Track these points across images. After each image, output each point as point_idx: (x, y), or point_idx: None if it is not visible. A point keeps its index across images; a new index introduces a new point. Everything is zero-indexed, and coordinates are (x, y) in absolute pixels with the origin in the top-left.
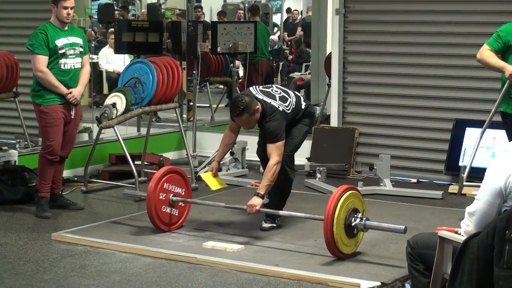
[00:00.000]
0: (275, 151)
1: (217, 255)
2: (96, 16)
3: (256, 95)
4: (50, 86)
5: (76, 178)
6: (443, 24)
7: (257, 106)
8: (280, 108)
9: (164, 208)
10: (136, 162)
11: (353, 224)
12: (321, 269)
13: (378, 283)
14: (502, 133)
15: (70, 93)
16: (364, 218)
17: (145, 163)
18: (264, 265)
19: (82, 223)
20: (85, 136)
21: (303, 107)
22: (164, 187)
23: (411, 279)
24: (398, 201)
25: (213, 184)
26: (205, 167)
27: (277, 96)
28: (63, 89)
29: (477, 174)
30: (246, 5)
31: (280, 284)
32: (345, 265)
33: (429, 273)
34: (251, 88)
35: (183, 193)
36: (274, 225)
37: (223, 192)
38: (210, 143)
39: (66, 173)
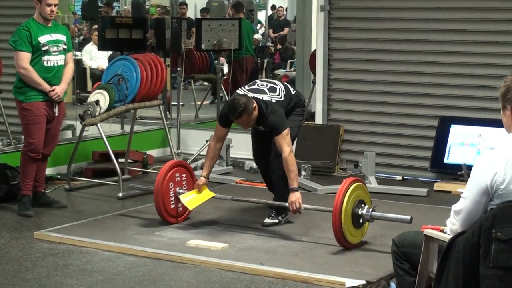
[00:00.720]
0: (283, 141)
1: (201, 254)
2: (80, 13)
3: (247, 94)
4: (33, 83)
5: (59, 176)
6: (428, 21)
7: (254, 105)
8: (274, 100)
9: (171, 200)
10: (120, 160)
11: (360, 215)
12: (306, 267)
13: (363, 282)
14: (487, 130)
15: (53, 90)
16: (371, 209)
17: (129, 160)
18: (248, 263)
19: (65, 221)
20: (68, 134)
21: (293, 92)
22: (171, 180)
23: (396, 278)
24: (383, 198)
25: (192, 202)
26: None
27: (265, 89)
28: (46, 86)
29: (460, 171)
30: (231, 1)
31: (265, 282)
32: (330, 264)
33: (414, 272)
34: (238, 91)
35: (188, 186)
36: (277, 221)
37: (211, 189)
38: (194, 140)
39: (49, 171)
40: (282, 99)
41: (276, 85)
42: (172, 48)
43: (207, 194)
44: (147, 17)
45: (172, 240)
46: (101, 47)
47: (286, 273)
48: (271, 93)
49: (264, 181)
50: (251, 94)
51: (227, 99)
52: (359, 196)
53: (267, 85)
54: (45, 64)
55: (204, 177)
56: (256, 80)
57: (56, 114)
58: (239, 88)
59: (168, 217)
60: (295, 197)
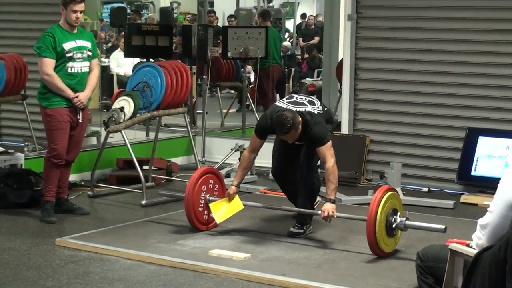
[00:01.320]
0: (327, 153)
1: (223, 264)
2: (108, 20)
3: (291, 108)
4: (56, 90)
5: (83, 183)
6: (456, 31)
7: (299, 119)
8: (315, 112)
9: (201, 208)
10: (144, 167)
11: (393, 224)
12: (329, 279)
13: None
14: None
15: (77, 97)
16: (404, 218)
17: (153, 168)
18: (271, 274)
19: (87, 228)
20: (93, 140)
21: (325, 109)
22: (203, 185)
23: None
24: (409, 210)
25: (220, 215)
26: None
27: (305, 102)
28: (69, 92)
29: (487, 184)
30: (259, 10)
31: None
32: (354, 276)
33: (439, 287)
34: (277, 103)
35: (218, 193)
36: (301, 231)
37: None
38: (219, 148)
39: (73, 177)
40: (322, 112)
41: (313, 99)
42: (198, 56)
43: (237, 205)
44: (173, 24)
45: (194, 249)
46: (127, 54)
47: (309, 285)
48: (311, 106)
49: (285, 193)
50: (293, 107)
51: (253, 107)
52: (393, 205)
53: (305, 99)
54: (69, 70)
55: (235, 186)
56: (293, 94)
57: (80, 121)
58: (278, 101)
59: (197, 223)
60: (329, 206)
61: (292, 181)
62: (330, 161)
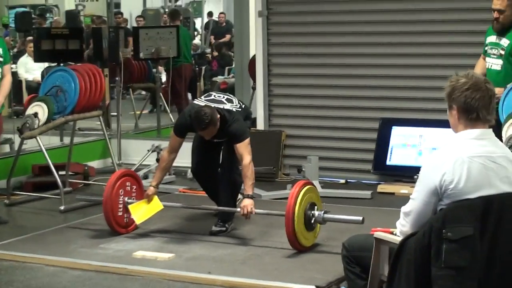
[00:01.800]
0: (245, 150)
1: (148, 265)
2: (13, 25)
3: (209, 105)
4: None
5: None
6: (365, 24)
7: (218, 116)
8: (234, 109)
9: (120, 211)
10: (60, 173)
11: (312, 218)
12: (254, 274)
13: (313, 287)
14: (428, 131)
15: None
16: (322, 212)
17: (70, 173)
18: (197, 273)
19: (7, 237)
20: (6, 148)
21: (243, 106)
22: (121, 188)
23: (347, 282)
24: (327, 202)
25: (140, 216)
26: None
27: (223, 100)
28: None
29: (403, 173)
30: (167, 9)
31: None
32: (279, 270)
33: (365, 276)
34: (196, 102)
35: (136, 195)
36: (224, 229)
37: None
38: (135, 150)
39: None
40: (240, 110)
41: (231, 97)
42: (110, 58)
43: (156, 206)
44: (83, 27)
45: (117, 252)
46: (37, 59)
47: (235, 281)
48: (230, 104)
49: (205, 191)
50: (212, 105)
51: (167, 107)
52: (310, 199)
53: (224, 97)
54: None
55: (154, 186)
56: (211, 92)
57: None
58: (197, 99)
59: (117, 227)
60: (248, 202)
61: (212, 179)
62: (247, 158)
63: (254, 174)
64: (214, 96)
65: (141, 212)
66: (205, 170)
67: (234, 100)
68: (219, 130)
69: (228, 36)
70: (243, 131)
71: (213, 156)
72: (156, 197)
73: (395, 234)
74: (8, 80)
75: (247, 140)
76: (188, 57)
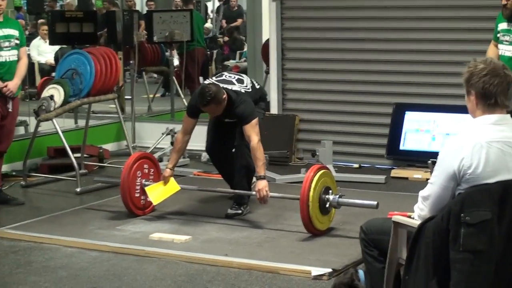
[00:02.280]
0: (252, 131)
1: (164, 247)
2: (25, 8)
3: (217, 84)
4: None
5: (14, 173)
6: (381, 9)
7: (224, 95)
8: (243, 90)
9: (137, 193)
10: (75, 155)
11: (327, 202)
12: (271, 257)
13: (329, 270)
14: (441, 116)
15: (5, 86)
16: (337, 196)
17: (85, 155)
18: (213, 255)
19: (23, 218)
20: (21, 130)
21: (257, 86)
22: (138, 170)
23: (365, 265)
24: (342, 186)
25: (157, 197)
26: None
27: (233, 80)
28: None
29: (416, 158)
30: None
31: (230, 274)
32: (295, 253)
33: (383, 259)
34: (206, 82)
35: (154, 177)
36: (239, 212)
37: None
38: (149, 133)
39: (3, 168)
40: (250, 90)
41: (243, 77)
42: (124, 41)
43: (173, 187)
44: (97, 10)
45: (134, 234)
46: (51, 42)
47: (252, 263)
48: (239, 84)
49: (220, 173)
50: (221, 85)
51: (180, 91)
52: (325, 183)
53: (234, 77)
54: None
55: (170, 168)
56: (223, 72)
57: (10, 110)
58: (207, 79)
59: (134, 209)
60: (262, 185)
61: (226, 160)
62: (255, 139)
63: (263, 154)
64: (225, 76)
65: (158, 193)
66: (219, 149)
67: (245, 80)
68: (226, 110)
69: (239, 21)
70: (249, 112)
71: (227, 137)
72: (172, 179)
73: (412, 218)
74: (24, 62)
75: (254, 121)
76: (200, 41)
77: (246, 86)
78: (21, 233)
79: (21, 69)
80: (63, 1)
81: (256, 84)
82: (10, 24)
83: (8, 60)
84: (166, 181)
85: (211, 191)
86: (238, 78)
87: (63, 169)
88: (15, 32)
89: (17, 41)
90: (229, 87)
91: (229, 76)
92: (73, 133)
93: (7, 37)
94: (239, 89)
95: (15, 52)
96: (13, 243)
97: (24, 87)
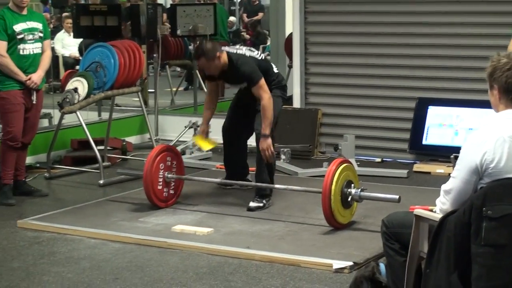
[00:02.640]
0: (261, 90)
1: (187, 239)
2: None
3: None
4: (10, 72)
5: (38, 165)
6: (405, 3)
7: (219, 54)
8: (248, 54)
9: (160, 185)
10: (98, 147)
11: (349, 196)
12: (292, 250)
13: (350, 263)
14: (465, 111)
15: (29, 79)
16: (359, 190)
17: (108, 148)
18: (235, 247)
19: (47, 209)
20: (45, 122)
21: (275, 70)
22: (161, 163)
23: (386, 258)
24: (364, 180)
25: (205, 145)
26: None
27: (243, 48)
28: (22, 76)
29: (439, 152)
30: None
31: (252, 266)
32: (316, 246)
33: (405, 252)
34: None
35: (176, 170)
36: (261, 205)
37: (190, 174)
38: (172, 126)
39: (27, 160)
40: (259, 58)
41: (255, 50)
42: (148, 35)
43: (213, 142)
44: (121, 4)
45: (156, 226)
46: (76, 35)
47: (274, 256)
48: (247, 50)
49: (224, 155)
50: (226, 48)
51: (203, 85)
52: (348, 177)
53: (246, 48)
54: (21, 52)
55: (205, 125)
56: (242, 46)
57: (34, 102)
58: None
59: (156, 201)
60: (266, 144)
61: (235, 145)
62: (265, 97)
63: (271, 113)
64: (238, 46)
65: (203, 143)
66: (233, 131)
67: (257, 51)
68: (230, 73)
69: (260, 14)
70: (252, 71)
71: (244, 120)
72: (209, 137)
73: (434, 212)
74: (48, 55)
75: (261, 82)
76: (224, 35)
77: (257, 54)
78: (45, 224)
79: (45, 62)
80: None
81: (274, 68)
82: (34, 17)
83: (32, 53)
84: (203, 135)
85: (233, 184)
86: (249, 48)
87: (86, 161)
88: (39, 25)
89: (41, 34)
90: (234, 50)
91: (241, 47)
92: (96, 125)
93: (31, 30)
94: (242, 53)
95: (39, 45)
96: (37, 234)
97: (48, 80)
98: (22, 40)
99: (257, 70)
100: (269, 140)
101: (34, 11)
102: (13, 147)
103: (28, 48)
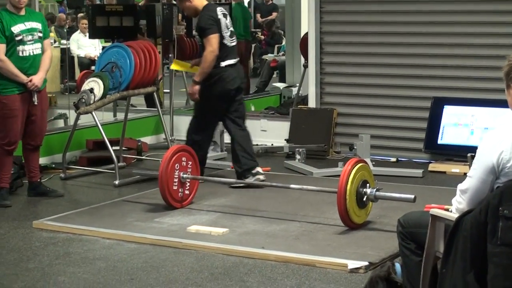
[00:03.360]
0: (207, 43)
1: (202, 239)
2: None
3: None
4: (10, 75)
5: (53, 165)
6: (420, 3)
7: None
8: (223, 20)
9: (175, 186)
10: (114, 148)
11: (364, 195)
12: (307, 250)
13: (366, 263)
14: (480, 110)
15: (30, 81)
16: (374, 189)
17: (123, 148)
18: (250, 247)
19: (62, 210)
20: (60, 123)
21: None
22: (177, 163)
23: (402, 258)
24: (379, 180)
25: (175, 66)
26: None
27: (226, 12)
28: (23, 77)
29: (454, 152)
30: None
31: (267, 266)
32: (332, 246)
33: (420, 252)
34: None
35: (192, 170)
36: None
37: (206, 174)
38: (186, 126)
39: (43, 160)
40: (228, 34)
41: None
42: (163, 35)
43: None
44: (136, 5)
45: (172, 226)
46: (92, 35)
47: (289, 256)
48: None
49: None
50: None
51: None
52: (363, 177)
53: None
54: (20, 54)
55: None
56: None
57: (36, 103)
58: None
59: (172, 201)
60: (193, 89)
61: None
62: (208, 49)
63: (208, 64)
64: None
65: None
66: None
67: (231, 27)
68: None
69: (274, 14)
70: (206, 27)
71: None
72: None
73: (450, 211)
74: (48, 55)
75: (211, 36)
76: (244, 33)
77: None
78: (60, 225)
79: (46, 62)
80: None
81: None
82: (33, 17)
83: (31, 54)
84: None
85: (247, 184)
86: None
87: (102, 162)
88: (38, 25)
89: (41, 34)
90: (218, 8)
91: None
92: (112, 126)
93: (30, 31)
94: (218, 14)
95: (38, 45)
96: (53, 235)
97: (63, 81)
98: (21, 42)
99: (211, 25)
100: (197, 87)
101: (33, 11)
102: (8, 151)
103: (28, 50)
